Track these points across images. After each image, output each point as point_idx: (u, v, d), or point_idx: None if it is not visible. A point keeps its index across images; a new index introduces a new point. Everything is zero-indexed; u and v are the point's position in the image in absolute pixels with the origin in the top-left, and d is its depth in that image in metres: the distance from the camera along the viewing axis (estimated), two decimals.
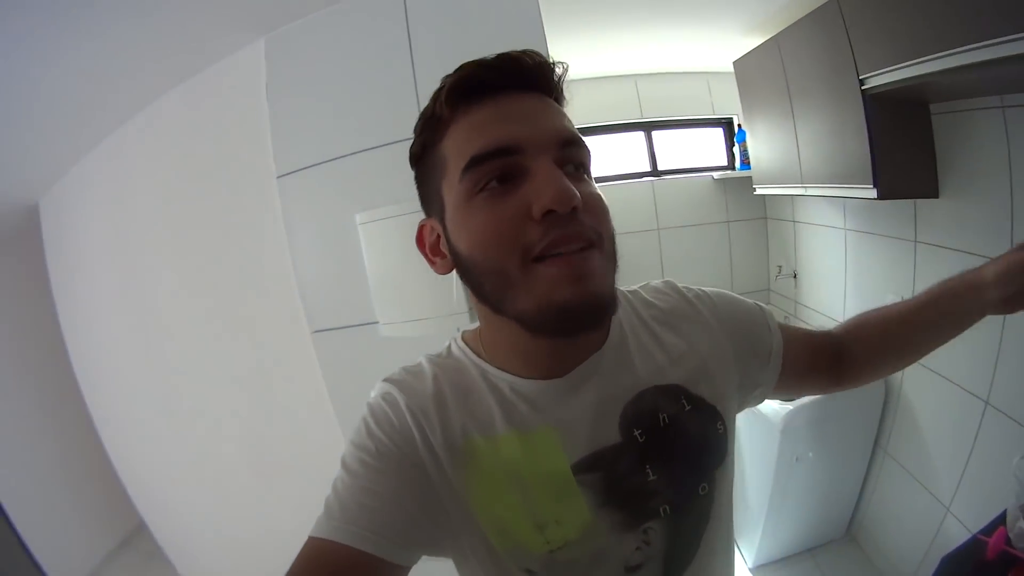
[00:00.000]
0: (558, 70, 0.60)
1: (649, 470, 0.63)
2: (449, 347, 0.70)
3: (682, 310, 0.74)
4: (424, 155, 0.62)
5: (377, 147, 1.66)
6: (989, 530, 1.36)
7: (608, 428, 0.63)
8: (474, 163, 0.54)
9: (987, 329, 1.70)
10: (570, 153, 0.57)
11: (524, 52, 0.58)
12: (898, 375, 2.23)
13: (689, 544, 0.66)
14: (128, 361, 2.25)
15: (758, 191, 2.84)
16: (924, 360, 2.07)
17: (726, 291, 0.79)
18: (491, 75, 0.57)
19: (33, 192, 2.23)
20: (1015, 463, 1.42)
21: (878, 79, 1.69)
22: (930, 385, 2.06)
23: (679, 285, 0.77)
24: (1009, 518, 1.34)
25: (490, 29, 1.58)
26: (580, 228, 0.53)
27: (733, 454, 0.71)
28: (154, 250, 2.06)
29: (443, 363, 0.67)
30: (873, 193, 1.84)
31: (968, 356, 1.84)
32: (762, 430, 2.35)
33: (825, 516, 2.53)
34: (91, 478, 2.47)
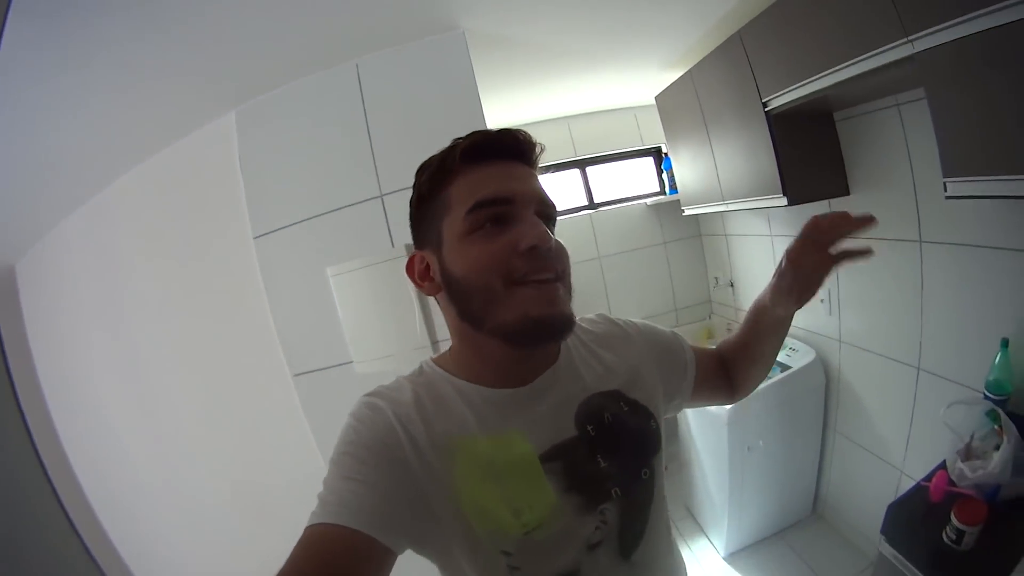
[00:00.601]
0: (538, 149, 0.77)
1: (600, 459, 0.76)
2: (421, 368, 0.82)
3: (613, 333, 0.92)
4: (429, 197, 0.75)
5: (341, 208, 1.84)
6: (930, 478, 1.54)
7: (566, 425, 0.76)
8: (478, 207, 0.69)
9: (908, 303, 1.93)
10: (545, 210, 0.74)
11: (519, 131, 0.74)
12: (836, 359, 2.46)
13: (638, 521, 0.79)
14: (115, 418, 2.25)
15: (686, 212, 3.08)
16: (858, 342, 2.28)
17: (647, 322, 0.99)
18: (496, 143, 0.73)
19: (8, 255, 2.24)
20: (942, 413, 1.61)
21: (779, 99, 1.93)
22: (866, 363, 2.28)
23: (609, 315, 0.97)
24: (949, 462, 1.51)
25: (431, 97, 1.80)
26: (552, 263, 0.71)
27: (664, 447, 0.86)
28: (138, 310, 2.12)
29: (418, 380, 0.78)
30: (784, 201, 2.07)
31: (895, 331, 2.07)
32: (710, 426, 2.52)
33: (788, 498, 2.67)
34: (75, 528, 2.39)
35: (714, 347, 1.08)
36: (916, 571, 1.41)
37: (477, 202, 0.69)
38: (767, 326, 0.97)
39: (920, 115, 1.75)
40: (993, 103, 1.19)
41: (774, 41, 1.87)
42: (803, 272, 0.86)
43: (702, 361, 0.99)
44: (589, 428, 0.77)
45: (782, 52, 1.84)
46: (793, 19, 1.74)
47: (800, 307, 0.91)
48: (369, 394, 0.76)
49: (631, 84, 2.94)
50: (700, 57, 2.39)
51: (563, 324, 0.71)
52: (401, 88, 1.81)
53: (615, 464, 0.77)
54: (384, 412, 0.71)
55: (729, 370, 1.04)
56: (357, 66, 1.81)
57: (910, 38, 1.32)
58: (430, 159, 0.76)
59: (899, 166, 1.89)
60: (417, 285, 0.79)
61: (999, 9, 1.09)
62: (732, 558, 2.67)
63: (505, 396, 0.75)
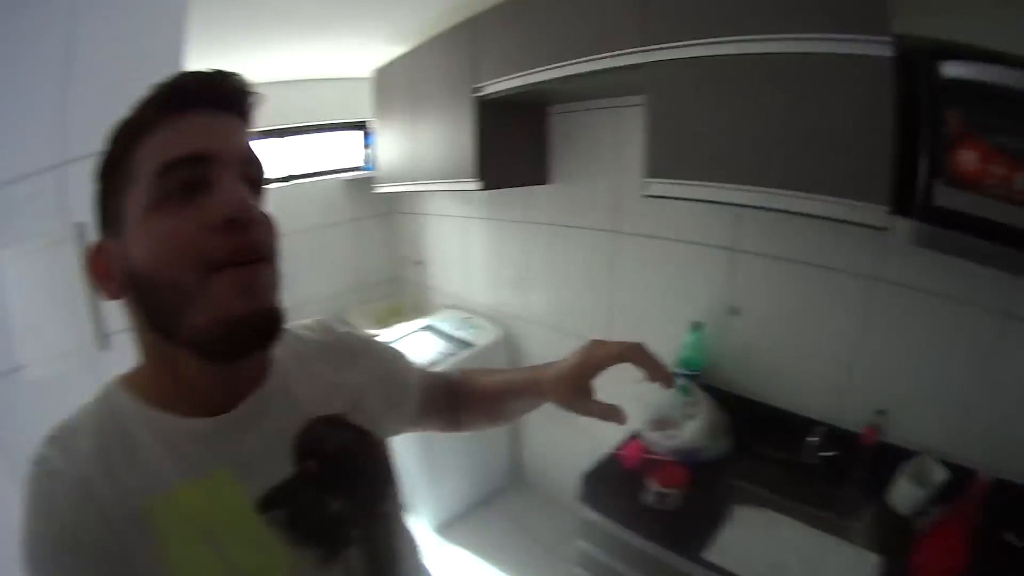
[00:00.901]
0: (253, 97, 0.60)
1: (330, 499, 0.64)
2: (105, 392, 0.61)
3: (334, 346, 0.78)
4: (116, 165, 0.56)
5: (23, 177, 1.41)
6: (621, 448, 1.69)
7: (282, 461, 0.63)
8: (165, 169, 0.52)
9: (600, 288, 2.15)
10: (250, 171, 0.58)
11: (230, 73, 0.58)
12: (524, 338, 2.69)
13: (387, 560, 0.70)
14: None
15: (378, 189, 3.04)
16: (548, 322, 2.46)
17: (370, 336, 0.89)
18: (201, 89, 0.56)
19: None
20: (633, 387, 1.81)
21: (493, 87, 1.98)
22: (555, 342, 2.51)
23: (327, 323, 0.82)
24: (643, 433, 1.69)
25: (136, 49, 1.47)
26: (257, 240, 0.56)
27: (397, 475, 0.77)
28: None
29: (99, 412, 0.58)
30: (479, 185, 2.15)
31: (587, 314, 2.32)
32: None
33: (489, 470, 2.84)
34: None
35: (446, 372, 1.00)
36: (623, 529, 1.50)
37: (163, 163, 0.52)
38: (526, 397, 0.88)
39: (632, 120, 1.89)
40: (702, 118, 1.36)
41: (506, 29, 1.89)
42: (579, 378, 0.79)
43: (429, 387, 0.90)
44: (311, 463, 0.64)
45: (510, 42, 1.87)
46: (529, 12, 1.77)
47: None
48: (49, 438, 0.55)
49: (355, 54, 2.72)
50: (431, 36, 2.31)
51: (268, 324, 0.56)
52: (109, 35, 1.46)
53: (348, 503, 0.65)
54: (61, 480, 0.52)
55: (460, 407, 0.95)
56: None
57: (641, 48, 1.43)
58: (127, 114, 0.56)
59: (605, 163, 2.10)
60: (100, 286, 0.59)
61: (729, 41, 1.24)
62: (443, 529, 2.71)
63: (207, 427, 0.58)
